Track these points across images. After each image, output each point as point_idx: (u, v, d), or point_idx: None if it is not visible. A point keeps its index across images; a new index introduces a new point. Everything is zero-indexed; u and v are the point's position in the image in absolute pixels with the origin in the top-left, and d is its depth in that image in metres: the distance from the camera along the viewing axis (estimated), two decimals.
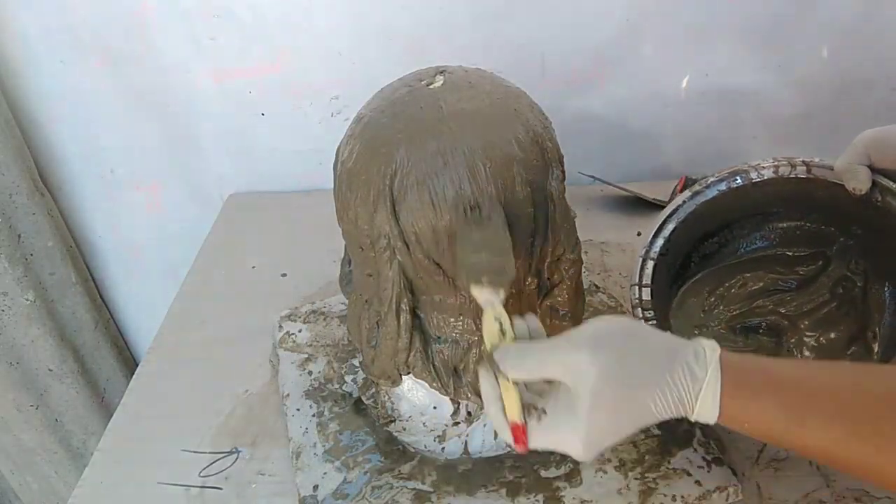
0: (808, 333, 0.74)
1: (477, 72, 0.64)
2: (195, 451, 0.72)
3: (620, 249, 0.95)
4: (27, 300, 1.04)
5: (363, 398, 0.74)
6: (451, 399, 0.67)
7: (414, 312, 0.62)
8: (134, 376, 0.83)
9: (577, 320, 0.65)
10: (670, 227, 0.72)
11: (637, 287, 0.69)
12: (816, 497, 0.64)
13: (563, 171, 0.62)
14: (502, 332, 0.51)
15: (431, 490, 0.65)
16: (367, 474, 0.67)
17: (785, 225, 0.76)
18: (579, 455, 0.48)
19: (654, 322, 0.67)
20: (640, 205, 1.04)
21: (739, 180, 0.71)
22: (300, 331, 0.84)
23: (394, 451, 0.69)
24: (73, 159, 1.12)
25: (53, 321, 1.09)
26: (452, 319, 0.63)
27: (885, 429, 0.43)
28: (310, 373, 0.79)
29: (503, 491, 0.65)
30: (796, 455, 0.49)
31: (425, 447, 0.69)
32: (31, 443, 1.14)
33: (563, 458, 0.67)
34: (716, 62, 1.03)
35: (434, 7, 0.98)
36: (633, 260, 0.72)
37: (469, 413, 0.68)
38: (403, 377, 0.66)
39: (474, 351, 0.63)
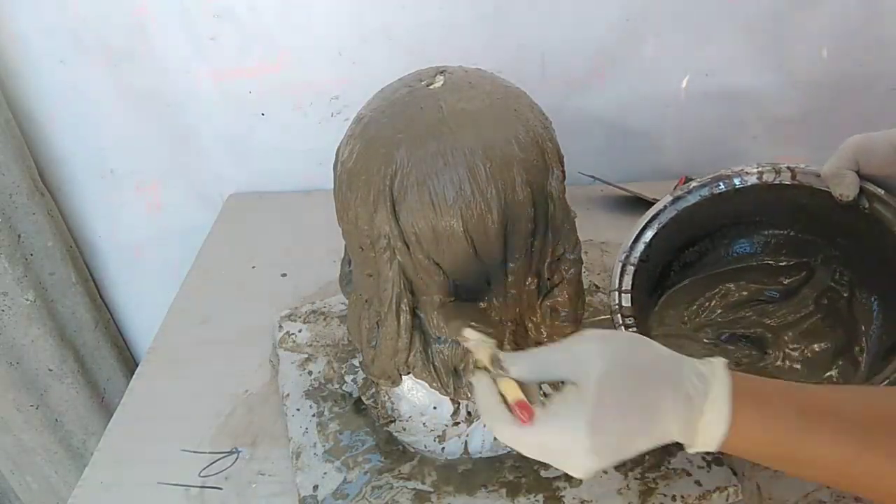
0: (792, 346, 0.72)
1: (477, 72, 0.64)
2: (195, 451, 0.72)
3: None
4: (27, 300, 1.04)
5: (363, 398, 0.74)
6: (451, 399, 0.67)
7: (414, 312, 0.62)
8: (134, 376, 0.83)
9: (577, 320, 0.65)
10: (650, 232, 0.70)
11: (617, 293, 0.67)
12: (816, 497, 0.64)
13: (563, 171, 0.62)
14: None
15: (431, 490, 0.65)
16: (367, 474, 0.67)
17: (768, 233, 0.74)
18: (586, 452, 0.44)
19: (635, 329, 0.65)
20: (640, 205, 1.03)
21: (722, 186, 0.69)
22: (300, 331, 0.84)
23: (394, 451, 0.69)
24: (73, 159, 1.12)
25: (53, 321, 1.09)
26: None
27: (892, 438, 0.43)
28: (310, 373, 0.79)
29: (503, 491, 0.65)
30: (802, 479, 0.47)
31: (425, 447, 0.69)
32: (31, 443, 1.14)
33: None
34: (716, 62, 1.03)
35: (434, 7, 0.98)
36: None
37: (469, 413, 0.68)
38: (403, 377, 0.66)
39: None
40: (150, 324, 0.98)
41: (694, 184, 0.70)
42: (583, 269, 0.66)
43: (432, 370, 0.64)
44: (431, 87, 0.61)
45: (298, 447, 0.70)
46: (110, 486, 0.70)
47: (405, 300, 0.60)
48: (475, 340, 0.53)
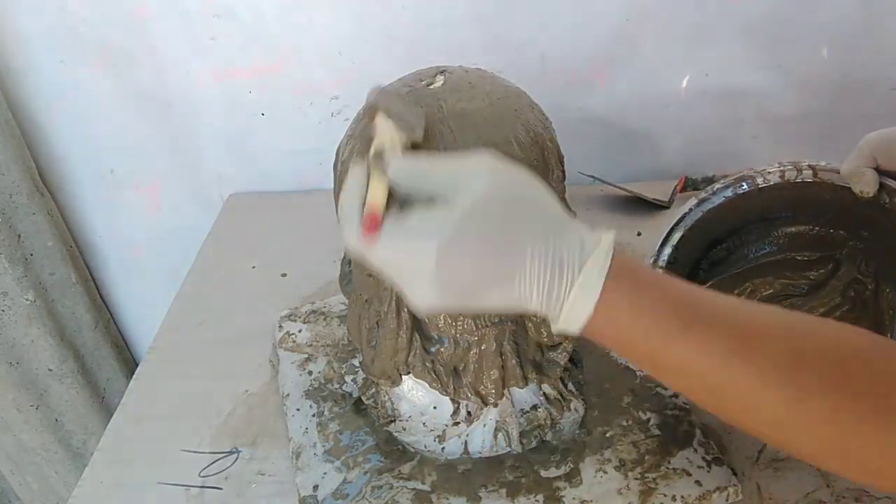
0: None
1: (477, 72, 0.64)
2: (195, 451, 0.73)
3: (620, 249, 0.95)
4: (27, 300, 1.04)
5: (363, 398, 0.74)
6: (451, 399, 0.67)
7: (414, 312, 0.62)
8: (134, 376, 0.83)
9: None
10: (677, 235, 0.71)
11: None
12: (816, 497, 0.64)
13: (563, 171, 0.62)
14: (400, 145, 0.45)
15: (431, 490, 0.65)
16: (367, 474, 0.67)
17: (793, 229, 0.75)
18: (429, 283, 0.40)
19: None
20: (640, 205, 1.04)
21: (746, 186, 0.71)
22: (300, 331, 0.84)
23: (394, 451, 0.69)
24: (73, 159, 1.12)
25: (53, 321, 1.09)
26: (452, 319, 0.63)
27: (768, 351, 0.40)
28: (310, 373, 0.79)
29: (503, 491, 0.65)
30: (665, 384, 0.44)
31: (425, 447, 0.69)
32: (31, 443, 1.14)
33: (564, 459, 0.67)
34: (716, 62, 1.03)
35: (434, 7, 0.98)
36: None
37: (469, 413, 0.68)
38: (403, 377, 0.66)
39: (474, 350, 0.63)
40: (150, 324, 0.99)
41: (718, 185, 0.72)
42: None
43: (432, 370, 0.64)
44: (431, 87, 0.61)
45: (298, 447, 0.70)
46: (110, 486, 0.70)
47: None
48: (383, 128, 0.47)
